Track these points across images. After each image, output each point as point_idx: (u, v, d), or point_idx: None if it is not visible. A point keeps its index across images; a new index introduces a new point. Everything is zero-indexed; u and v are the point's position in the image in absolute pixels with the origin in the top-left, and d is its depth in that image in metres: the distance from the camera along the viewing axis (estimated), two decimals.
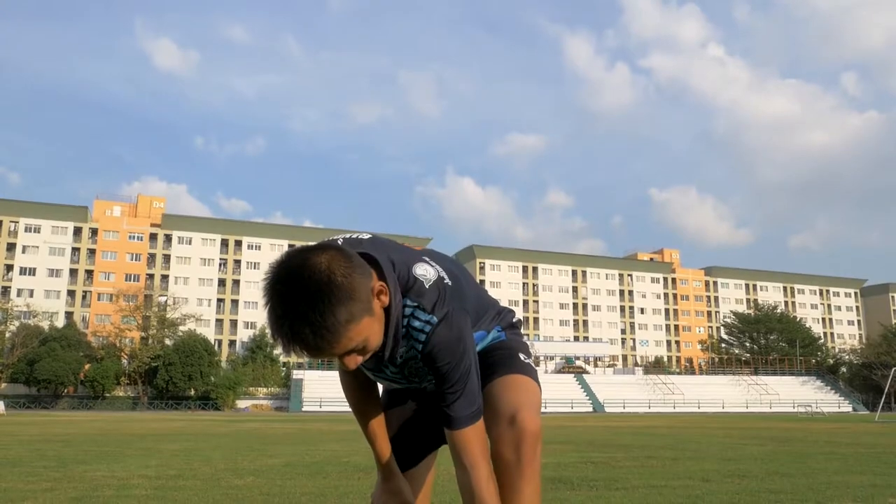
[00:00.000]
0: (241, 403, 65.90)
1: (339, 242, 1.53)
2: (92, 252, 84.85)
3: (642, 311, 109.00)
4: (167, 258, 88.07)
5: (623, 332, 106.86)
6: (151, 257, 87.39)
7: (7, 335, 66.26)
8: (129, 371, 67.96)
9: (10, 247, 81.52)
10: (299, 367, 72.69)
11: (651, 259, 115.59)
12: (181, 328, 71.71)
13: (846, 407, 69.93)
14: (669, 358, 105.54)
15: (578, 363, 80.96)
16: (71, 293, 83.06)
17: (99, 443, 10.96)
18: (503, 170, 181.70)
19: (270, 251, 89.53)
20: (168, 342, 69.54)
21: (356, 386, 1.79)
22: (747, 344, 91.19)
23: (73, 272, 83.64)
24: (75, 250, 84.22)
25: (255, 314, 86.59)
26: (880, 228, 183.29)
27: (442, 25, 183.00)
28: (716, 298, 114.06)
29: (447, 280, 1.57)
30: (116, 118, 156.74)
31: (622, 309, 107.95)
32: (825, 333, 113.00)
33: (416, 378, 1.69)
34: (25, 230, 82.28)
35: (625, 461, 7.26)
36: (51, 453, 8.42)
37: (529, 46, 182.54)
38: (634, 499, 4.26)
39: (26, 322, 68.49)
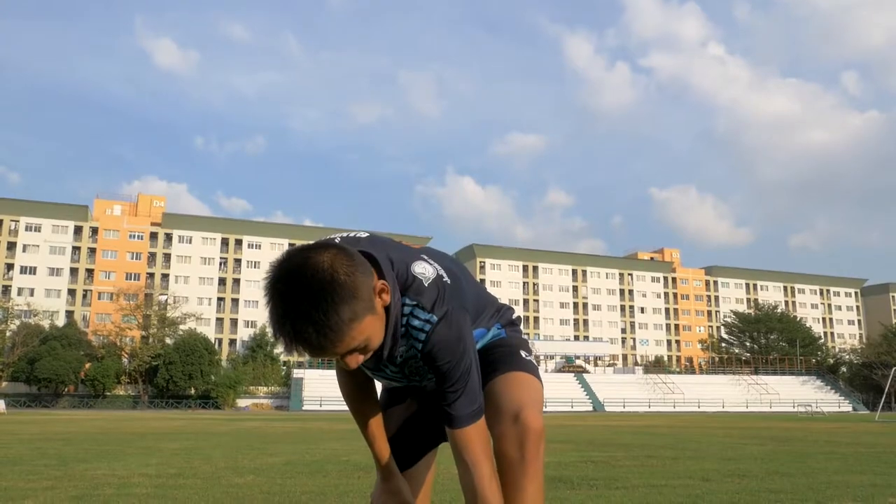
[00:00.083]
0: (242, 402, 65.93)
1: (338, 241, 1.52)
2: (92, 251, 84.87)
3: (642, 310, 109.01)
4: (167, 257, 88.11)
5: (623, 331, 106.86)
6: (152, 256, 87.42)
7: (8, 334, 66.30)
8: (129, 370, 68.00)
9: (11, 246, 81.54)
10: (300, 366, 72.70)
11: (651, 258, 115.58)
12: (181, 327, 71.74)
13: (846, 407, 69.92)
14: (669, 357, 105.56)
15: (578, 362, 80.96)
16: (71, 292, 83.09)
17: (99, 441, 10.97)
18: (503, 169, 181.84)
19: (271, 250, 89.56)
20: (168, 341, 69.58)
21: (354, 385, 1.78)
22: (747, 343, 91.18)
23: (74, 271, 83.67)
24: (76, 249, 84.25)
25: (255, 313, 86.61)
26: (881, 228, 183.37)
27: (442, 25, 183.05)
28: (716, 298, 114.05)
29: (446, 278, 1.56)
30: (117, 117, 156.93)
31: (622, 308, 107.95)
32: (825, 333, 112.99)
33: (416, 377, 1.69)
34: (26, 229, 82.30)
35: (625, 460, 7.26)
36: (51, 452, 8.42)
37: (530, 46, 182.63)
38: (634, 498, 4.26)
39: (27, 321, 68.52)
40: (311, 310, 1.31)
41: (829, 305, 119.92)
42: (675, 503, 4.07)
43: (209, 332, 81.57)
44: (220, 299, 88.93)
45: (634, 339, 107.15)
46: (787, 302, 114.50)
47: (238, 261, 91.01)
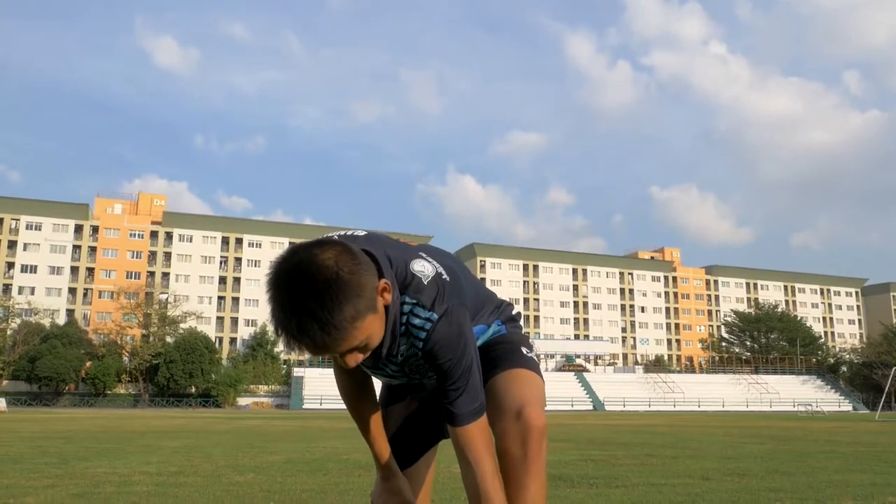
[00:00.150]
0: (242, 401, 65.97)
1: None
2: (93, 250, 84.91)
3: (643, 309, 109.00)
4: (168, 256, 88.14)
5: (623, 330, 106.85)
6: (152, 255, 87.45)
7: (8, 332, 66.35)
8: (130, 368, 68.04)
9: (12, 244, 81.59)
10: (300, 364, 72.72)
11: (652, 258, 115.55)
12: (182, 326, 71.80)
13: (846, 406, 69.94)
14: (670, 356, 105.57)
15: (579, 361, 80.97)
16: (72, 291, 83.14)
17: (100, 440, 10.98)
18: (504, 168, 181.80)
19: (271, 249, 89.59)
20: (169, 340, 69.64)
21: (352, 384, 1.77)
22: (748, 343, 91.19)
23: (75, 270, 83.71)
24: (76, 248, 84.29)
25: (255, 312, 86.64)
26: (881, 228, 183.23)
27: (442, 23, 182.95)
28: (716, 297, 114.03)
29: (445, 276, 1.55)
30: (117, 116, 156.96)
31: (623, 307, 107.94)
32: (826, 332, 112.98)
33: (416, 375, 1.68)
34: (27, 228, 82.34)
35: (625, 459, 7.27)
36: (52, 450, 8.43)
37: (530, 44, 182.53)
38: (634, 496, 4.27)
39: (27, 319, 68.57)
40: (317, 307, 1.30)
41: (830, 305, 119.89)
42: (674, 502, 4.07)
43: (210, 330, 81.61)
44: (220, 298, 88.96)
45: (635, 339, 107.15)
46: (787, 301, 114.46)
47: (238, 259, 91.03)
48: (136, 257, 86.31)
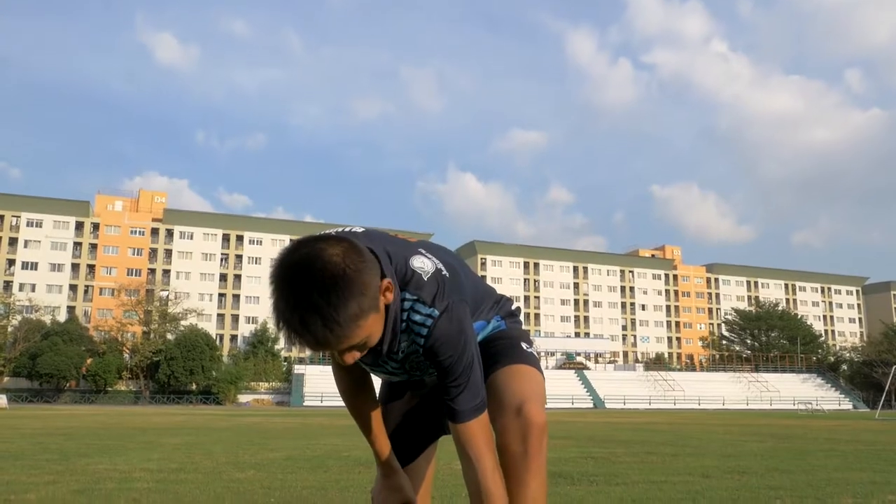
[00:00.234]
0: (243, 398, 66.02)
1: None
2: (94, 247, 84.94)
3: (643, 307, 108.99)
4: (168, 253, 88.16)
5: (624, 328, 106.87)
6: (153, 252, 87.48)
7: (9, 329, 66.42)
8: (130, 365, 68.12)
9: (12, 241, 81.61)
10: (300, 361, 72.81)
11: (652, 256, 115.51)
12: (183, 323, 71.84)
13: (846, 404, 69.95)
14: (670, 354, 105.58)
15: (579, 359, 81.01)
16: (73, 288, 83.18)
17: (101, 436, 10.99)
18: (505, 166, 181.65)
19: (272, 246, 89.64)
20: (170, 337, 69.70)
21: (350, 381, 1.76)
22: (748, 341, 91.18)
23: (75, 267, 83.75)
24: (77, 245, 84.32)
25: (256, 309, 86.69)
26: (882, 226, 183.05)
27: (443, 21, 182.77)
28: (717, 295, 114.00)
29: (445, 272, 1.55)
30: (117, 113, 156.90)
31: (623, 305, 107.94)
32: (826, 331, 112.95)
33: (417, 371, 1.68)
34: (27, 225, 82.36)
35: (625, 457, 7.27)
36: (53, 447, 8.45)
37: (531, 42, 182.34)
38: (634, 494, 4.27)
39: (28, 316, 68.63)
40: (322, 303, 1.28)
41: (830, 303, 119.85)
42: (674, 499, 4.08)
43: (210, 327, 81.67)
44: (221, 295, 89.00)
45: (635, 336, 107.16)
46: (788, 300, 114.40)
47: (239, 257, 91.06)
48: (137, 254, 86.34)
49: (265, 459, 6.75)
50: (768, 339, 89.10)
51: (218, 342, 76.55)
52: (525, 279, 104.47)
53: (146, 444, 9.19)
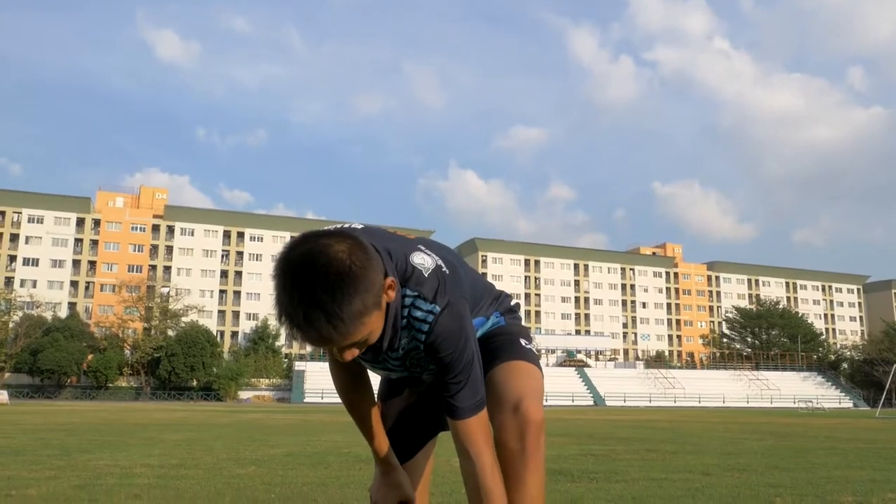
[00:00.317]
0: (243, 394, 66.12)
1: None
2: (95, 243, 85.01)
3: (644, 305, 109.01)
4: (169, 249, 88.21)
5: (624, 326, 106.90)
6: (154, 248, 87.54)
7: (10, 325, 66.51)
8: (131, 361, 68.23)
9: (14, 237, 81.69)
10: (301, 358, 72.88)
11: (653, 253, 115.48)
12: (183, 319, 71.94)
13: (847, 403, 69.98)
14: (671, 352, 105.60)
15: (580, 357, 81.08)
16: (74, 284, 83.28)
17: (102, 432, 11.01)
18: (506, 163, 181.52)
19: (273, 243, 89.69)
20: (171, 333, 69.79)
21: (347, 378, 1.76)
22: (749, 339, 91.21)
23: (76, 263, 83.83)
24: (78, 241, 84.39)
25: (257, 305, 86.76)
26: (884, 224, 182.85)
27: (445, 17, 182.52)
28: (718, 293, 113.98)
29: (445, 268, 1.55)
30: (118, 109, 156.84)
31: (624, 303, 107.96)
32: (827, 329, 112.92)
33: (417, 368, 1.67)
34: (28, 221, 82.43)
35: (625, 454, 7.28)
36: (54, 442, 8.46)
37: (533, 39, 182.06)
38: (634, 491, 4.27)
39: (29, 312, 68.75)
40: (326, 299, 1.28)
41: (831, 301, 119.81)
42: (674, 496, 4.08)
43: (211, 324, 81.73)
44: (222, 291, 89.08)
45: (636, 334, 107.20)
46: (788, 298, 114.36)
47: (240, 253, 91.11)
48: (138, 251, 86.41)
49: (266, 456, 6.76)
50: (769, 338, 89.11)
51: (219, 339, 76.67)
52: (526, 276, 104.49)
53: (147, 440, 9.21)
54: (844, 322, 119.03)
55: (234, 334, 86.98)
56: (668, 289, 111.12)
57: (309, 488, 4.30)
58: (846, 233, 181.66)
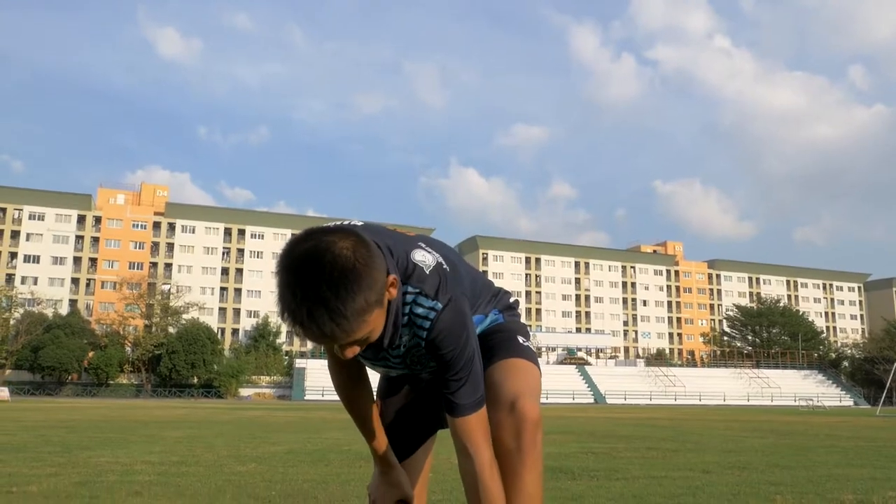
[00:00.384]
0: (244, 392, 66.21)
1: None
2: (95, 240, 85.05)
3: (645, 303, 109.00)
4: (170, 247, 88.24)
5: (625, 323, 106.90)
6: (155, 246, 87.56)
7: (11, 322, 66.59)
8: (132, 359, 68.30)
9: (15, 234, 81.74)
10: (302, 355, 72.97)
11: (654, 251, 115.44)
12: (184, 316, 71.99)
13: (847, 401, 69.97)
14: (671, 350, 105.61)
15: (580, 354, 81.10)
16: (75, 281, 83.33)
17: (103, 429, 11.03)
18: (507, 161, 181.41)
19: (273, 240, 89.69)
20: (171, 330, 69.86)
21: (346, 375, 1.75)
22: (749, 337, 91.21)
23: (77, 260, 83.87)
24: (79, 238, 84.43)
25: (258, 303, 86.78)
26: (885, 223, 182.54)
27: (446, 15, 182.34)
28: (718, 291, 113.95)
29: (445, 266, 1.55)
30: (120, 106, 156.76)
31: (625, 301, 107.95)
32: (828, 327, 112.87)
33: (417, 366, 1.67)
34: (30, 218, 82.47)
35: (625, 452, 7.28)
36: (55, 439, 8.48)
37: (534, 37, 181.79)
38: (635, 489, 4.28)
39: (30, 309, 68.82)
40: (330, 296, 1.27)
41: (832, 300, 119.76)
42: (675, 494, 4.08)
43: (212, 321, 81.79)
44: (223, 289, 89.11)
45: (636, 332, 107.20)
46: (789, 296, 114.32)
47: (241, 251, 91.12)
48: (139, 248, 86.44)
49: (266, 453, 6.77)
50: (769, 336, 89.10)
51: (219, 336, 76.73)
52: (527, 274, 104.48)
53: (148, 437, 9.22)
54: (845, 320, 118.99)
55: (235, 331, 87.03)
56: (668, 287, 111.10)
57: (310, 485, 4.31)
58: (847, 231, 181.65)
